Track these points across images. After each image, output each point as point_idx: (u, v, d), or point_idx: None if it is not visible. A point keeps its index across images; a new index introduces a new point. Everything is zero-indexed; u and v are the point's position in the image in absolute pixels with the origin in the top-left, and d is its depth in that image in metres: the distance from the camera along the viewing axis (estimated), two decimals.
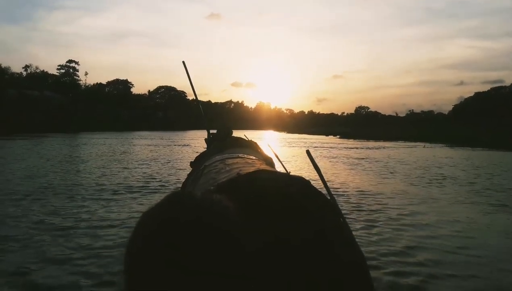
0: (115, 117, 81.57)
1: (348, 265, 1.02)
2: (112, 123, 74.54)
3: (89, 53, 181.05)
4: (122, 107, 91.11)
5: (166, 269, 0.55)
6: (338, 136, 61.30)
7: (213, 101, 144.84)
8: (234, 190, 1.10)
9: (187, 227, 0.58)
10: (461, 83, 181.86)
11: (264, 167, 1.94)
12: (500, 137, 36.54)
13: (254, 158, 2.63)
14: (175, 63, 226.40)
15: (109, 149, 26.14)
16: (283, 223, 1.03)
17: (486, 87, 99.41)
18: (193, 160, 3.44)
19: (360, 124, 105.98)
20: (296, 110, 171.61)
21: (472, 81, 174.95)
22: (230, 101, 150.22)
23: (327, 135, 67.00)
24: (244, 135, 4.10)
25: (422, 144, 38.38)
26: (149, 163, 16.82)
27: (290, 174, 1.47)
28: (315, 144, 37.16)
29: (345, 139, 51.66)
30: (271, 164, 3.04)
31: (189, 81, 4.30)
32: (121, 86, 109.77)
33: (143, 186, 10.33)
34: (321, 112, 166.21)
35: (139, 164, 16.18)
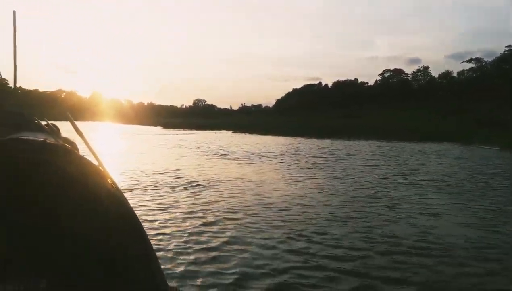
0: None
1: (119, 216, 1.09)
2: None
3: None
4: None
5: None
6: (162, 126, 67.07)
7: (41, 90, 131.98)
8: None
9: None
10: (288, 80, 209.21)
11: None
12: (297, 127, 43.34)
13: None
14: None
15: None
16: (41, 189, 0.95)
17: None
18: None
19: (197, 116, 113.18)
20: (136, 101, 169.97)
21: (299, 77, 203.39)
22: (61, 90, 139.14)
23: (155, 126, 71.48)
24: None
25: (228, 132, 46.44)
26: None
27: (50, 141, 1.47)
28: (135, 133, 41.70)
29: (166, 129, 57.68)
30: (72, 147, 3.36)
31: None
32: None
33: None
34: (161, 104, 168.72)
35: None
